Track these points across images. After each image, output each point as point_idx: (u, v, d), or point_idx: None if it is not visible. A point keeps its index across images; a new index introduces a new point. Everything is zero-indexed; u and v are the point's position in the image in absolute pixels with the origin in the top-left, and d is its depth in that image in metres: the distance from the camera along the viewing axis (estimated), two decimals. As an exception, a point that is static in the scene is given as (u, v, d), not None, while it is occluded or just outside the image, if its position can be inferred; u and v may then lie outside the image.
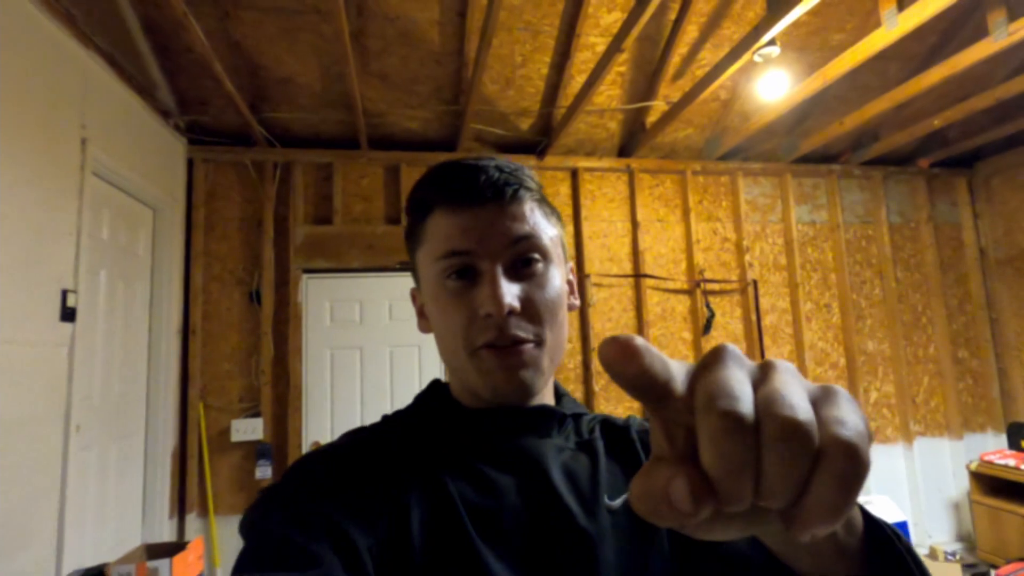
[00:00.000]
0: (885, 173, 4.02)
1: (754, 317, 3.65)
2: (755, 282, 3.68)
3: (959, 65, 2.70)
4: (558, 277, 0.56)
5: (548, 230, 0.56)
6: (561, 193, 3.58)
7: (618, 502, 0.50)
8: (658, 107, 3.33)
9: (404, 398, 3.00)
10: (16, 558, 1.71)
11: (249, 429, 2.94)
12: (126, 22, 2.40)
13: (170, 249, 2.91)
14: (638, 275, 3.55)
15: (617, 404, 3.43)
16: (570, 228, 3.56)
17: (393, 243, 3.24)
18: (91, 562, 2.04)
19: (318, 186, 3.27)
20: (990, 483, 3.49)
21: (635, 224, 3.61)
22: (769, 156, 3.84)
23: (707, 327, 3.57)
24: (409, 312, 3.20)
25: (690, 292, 3.65)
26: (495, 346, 0.51)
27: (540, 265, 0.54)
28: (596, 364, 3.42)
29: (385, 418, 0.59)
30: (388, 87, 3.05)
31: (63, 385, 1.96)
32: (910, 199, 4.08)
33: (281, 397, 3.05)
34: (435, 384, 0.61)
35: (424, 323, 0.60)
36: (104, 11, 2.25)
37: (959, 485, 3.71)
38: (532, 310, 0.53)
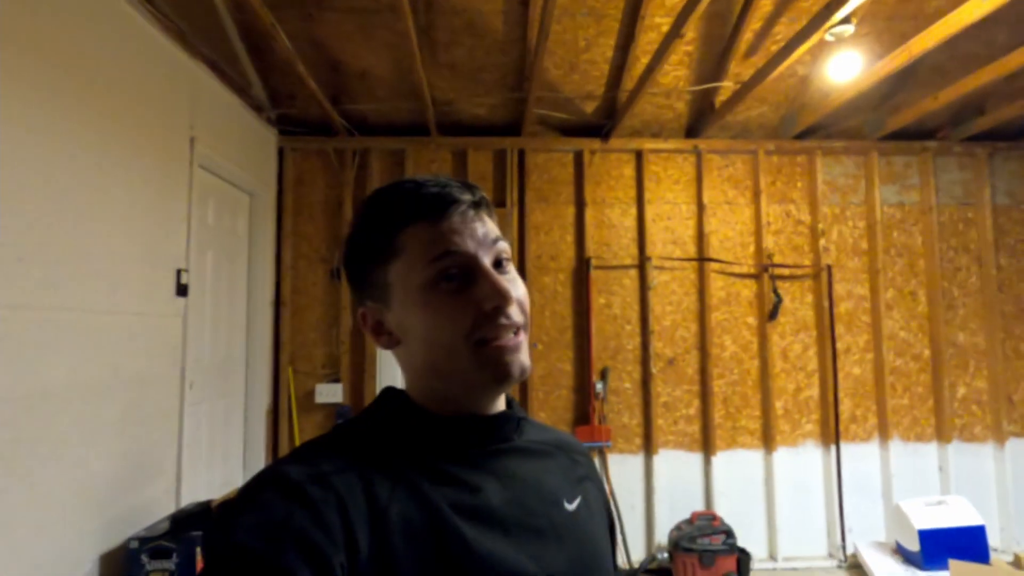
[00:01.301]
0: (991, 150, 3.65)
1: (826, 303, 3.50)
2: (829, 267, 3.52)
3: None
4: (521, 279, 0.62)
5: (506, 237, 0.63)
6: (625, 175, 3.59)
7: (574, 505, 0.61)
8: (728, 86, 3.23)
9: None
10: (147, 488, 2.11)
11: (331, 392, 3.29)
12: (225, 29, 2.70)
13: (264, 230, 3.27)
14: (702, 259, 3.51)
15: (675, 387, 3.46)
16: (632, 211, 3.57)
17: (460, 225, 3.42)
18: (203, 497, 2.43)
19: (392, 171, 3.50)
20: (1094, 492, 3.19)
21: (701, 206, 3.55)
22: (853, 134, 3.60)
23: (773, 313, 3.48)
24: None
25: (757, 276, 3.56)
26: (501, 338, 0.55)
27: (510, 266, 0.60)
28: (655, 346, 3.46)
29: (341, 429, 0.59)
30: (456, 76, 3.19)
31: (179, 349, 2.32)
32: (1021, 178, 3.68)
33: (358, 365, 3.36)
34: (393, 392, 0.62)
35: (386, 339, 0.60)
36: (207, 22, 2.55)
37: (1060, 492, 3.42)
38: (520, 303, 0.58)
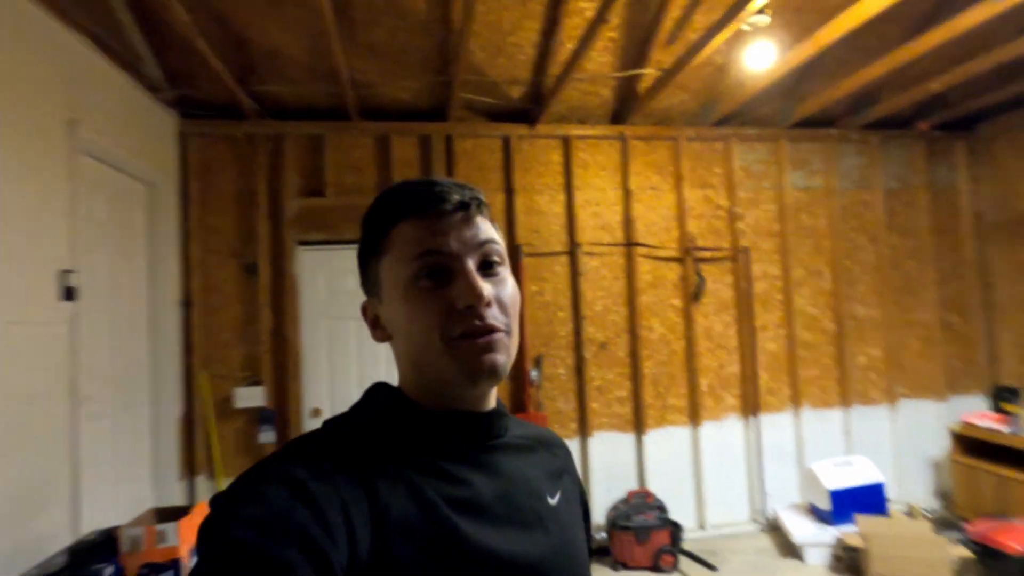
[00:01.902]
0: (883, 137, 3.97)
1: (745, 284, 3.69)
2: (747, 249, 3.71)
3: (960, 27, 2.64)
4: (513, 280, 0.62)
5: (501, 240, 0.63)
6: (553, 161, 3.58)
7: (555, 500, 0.64)
8: (651, 73, 3.28)
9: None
10: (34, 522, 1.86)
11: (251, 396, 3.07)
12: (108, -2, 2.39)
13: (166, 224, 2.97)
14: (630, 243, 3.58)
15: (607, 371, 3.53)
16: (562, 197, 3.57)
17: (386, 215, 3.28)
18: (110, 522, 2.19)
19: (310, 158, 3.29)
20: (970, 444, 3.60)
21: (627, 192, 3.61)
22: (765, 121, 3.79)
23: (697, 294, 3.62)
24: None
25: (681, 260, 3.68)
26: (473, 335, 0.56)
27: (501, 268, 0.61)
28: (587, 331, 3.50)
29: (335, 426, 0.59)
30: (377, 58, 3.02)
31: (67, 361, 2.06)
32: (908, 164, 4.03)
33: (280, 365, 3.16)
34: (383, 388, 0.63)
35: (380, 333, 0.63)
36: (84, -13, 2.24)
37: (941, 446, 3.82)
38: (501, 304, 0.58)
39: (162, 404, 2.91)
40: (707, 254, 3.69)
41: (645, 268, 3.62)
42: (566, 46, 3.09)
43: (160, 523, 1.94)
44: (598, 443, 3.47)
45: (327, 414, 3.15)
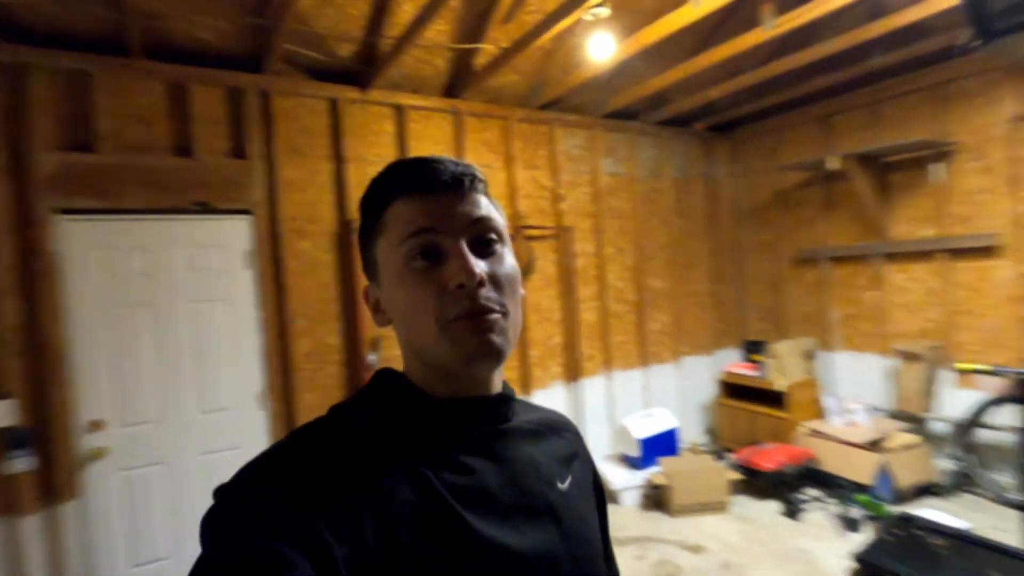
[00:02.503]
0: (672, 133, 4.60)
1: (567, 260, 3.98)
2: (570, 228, 3.99)
3: (740, 46, 3.15)
4: (513, 259, 0.60)
5: (499, 218, 0.61)
6: (386, 131, 3.36)
7: (566, 485, 0.63)
8: (486, 49, 3.27)
9: (218, 361, 2.60)
10: None
11: (-6, 414, 2.31)
12: None
13: None
14: (465, 221, 3.57)
15: (446, 348, 3.50)
16: (396, 170, 3.38)
17: (187, 179, 2.72)
18: None
19: (72, 101, 2.54)
20: (730, 388, 4.48)
21: (462, 169, 3.58)
22: (583, 110, 4.09)
23: (528, 271, 3.79)
24: (216, 261, 2.78)
25: (514, 237, 3.79)
26: (467, 316, 0.54)
27: (498, 245, 0.59)
28: (425, 310, 3.41)
29: (340, 414, 0.57)
30: (170, -18, 2.45)
31: None
32: (688, 157, 4.76)
33: (36, 371, 2.43)
34: (389, 373, 0.61)
35: (381, 317, 0.61)
36: None
37: (710, 392, 4.68)
38: (497, 283, 0.56)
39: None
40: (535, 232, 3.87)
41: (480, 245, 3.65)
42: (403, 7, 2.90)
43: None
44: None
45: (116, 425, 2.55)
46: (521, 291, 0.60)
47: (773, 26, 2.86)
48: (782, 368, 4.00)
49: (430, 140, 3.50)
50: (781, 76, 3.74)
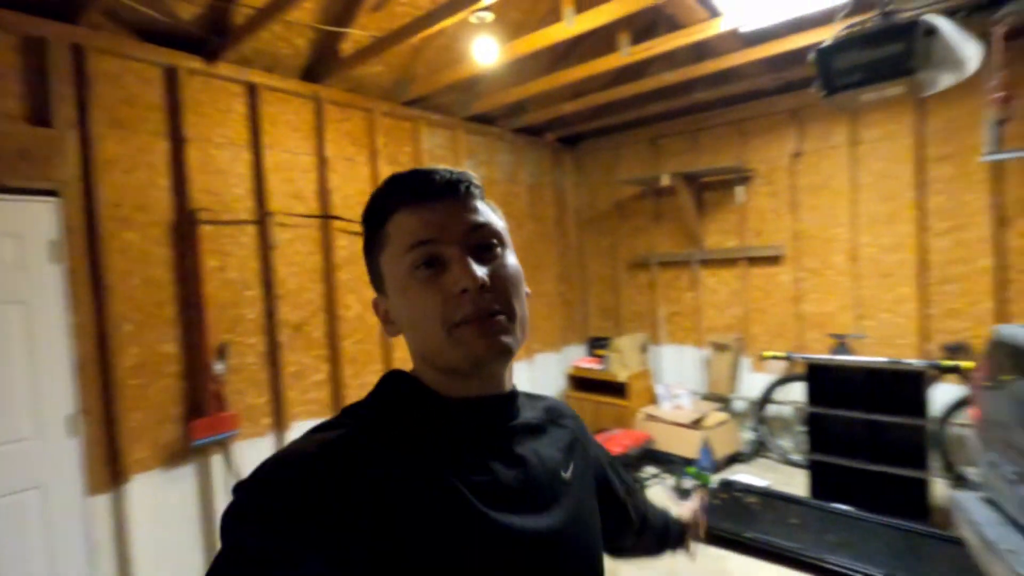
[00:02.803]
0: (527, 141, 4.83)
1: (432, 261, 3.94)
2: (434, 228, 3.95)
3: (596, 68, 3.43)
4: (515, 260, 0.62)
5: (498, 222, 0.62)
6: (236, 111, 2.98)
7: (569, 473, 0.66)
8: (353, 35, 3.09)
9: (11, 379, 2.08)
10: None
11: None
12: None
13: None
14: (327, 216, 3.33)
15: (304, 354, 3.23)
16: (247, 156, 3.03)
17: (-39, 147, 2.10)
18: None
19: None
20: (577, 381, 4.85)
21: (323, 160, 3.33)
22: (446, 109, 4.08)
23: (393, 271, 3.66)
24: (8, 253, 2.22)
25: (377, 236, 3.65)
26: (472, 320, 0.55)
27: (499, 249, 0.60)
28: (281, 312, 3.11)
29: (355, 415, 0.58)
30: None
31: None
32: (540, 165, 5.04)
33: None
34: (401, 376, 0.62)
35: (392, 327, 0.62)
36: None
37: (560, 385, 5.01)
38: (500, 286, 0.57)
39: None
40: (399, 231, 3.76)
41: (342, 243, 3.43)
42: (265, -25, 2.61)
43: None
44: (297, 434, 3.15)
45: None
46: (526, 289, 0.63)
47: (628, 53, 3.18)
48: (623, 361, 4.46)
49: (287, 126, 3.20)
50: (622, 100, 4.17)
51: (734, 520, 2.94)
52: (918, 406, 2.94)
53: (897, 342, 3.77)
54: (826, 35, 2.90)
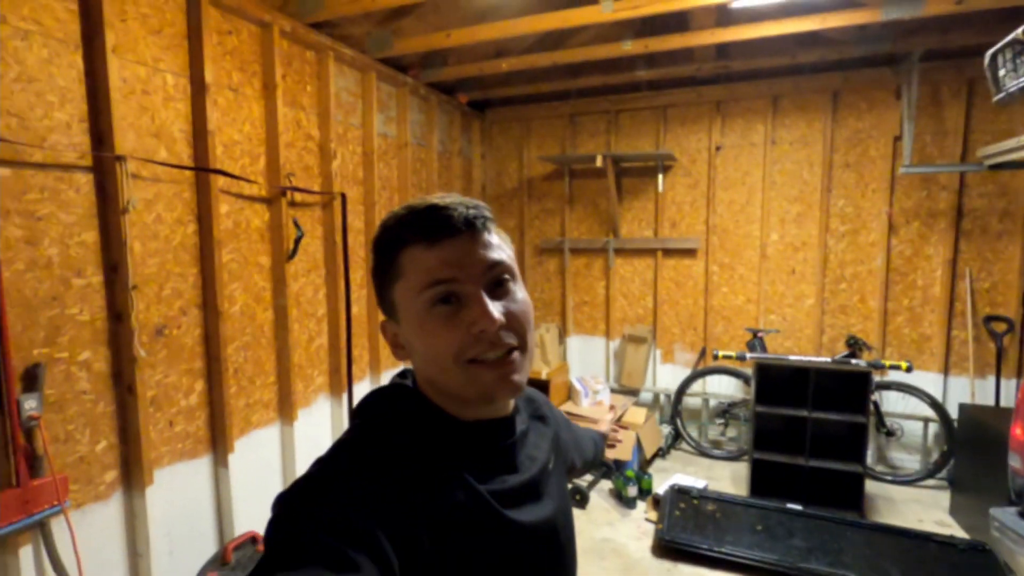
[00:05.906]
0: (439, 100, 4.09)
1: (339, 239, 3.06)
2: (344, 196, 3.07)
3: (569, 20, 2.89)
4: (525, 293, 0.65)
5: (509, 252, 0.65)
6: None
7: (552, 464, 0.75)
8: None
9: None
10: None
11: None
12: None
13: None
14: (205, 169, 2.29)
15: (169, 369, 2.20)
16: (77, 59, 1.88)
17: None
18: None
19: None
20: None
21: (201, 85, 2.27)
22: (359, 44, 3.18)
23: (294, 251, 2.73)
24: None
25: (271, 201, 2.67)
26: (487, 359, 0.59)
27: (511, 283, 0.63)
28: (137, 309, 2.04)
29: (372, 428, 0.62)
30: None
31: None
32: (449, 131, 4.34)
33: None
34: (410, 393, 0.66)
35: (401, 352, 0.65)
36: None
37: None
38: (514, 321, 0.61)
39: None
40: (299, 196, 2.83)
41: (224, 209, 2.42)
42: None
43: None
44: (157, 491, 2.13)
45: None
46: (532, 316, 0.65)
47: (611, 9, 2.72)
48: (546, 356, 4.08)
49: (143, 23, 2.08)
50: (544, 69, 3.71)
51: (703, 534, 2.78)
52: (860, 404, 3.08)
53: (797, 335, 4.02)
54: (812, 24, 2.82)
